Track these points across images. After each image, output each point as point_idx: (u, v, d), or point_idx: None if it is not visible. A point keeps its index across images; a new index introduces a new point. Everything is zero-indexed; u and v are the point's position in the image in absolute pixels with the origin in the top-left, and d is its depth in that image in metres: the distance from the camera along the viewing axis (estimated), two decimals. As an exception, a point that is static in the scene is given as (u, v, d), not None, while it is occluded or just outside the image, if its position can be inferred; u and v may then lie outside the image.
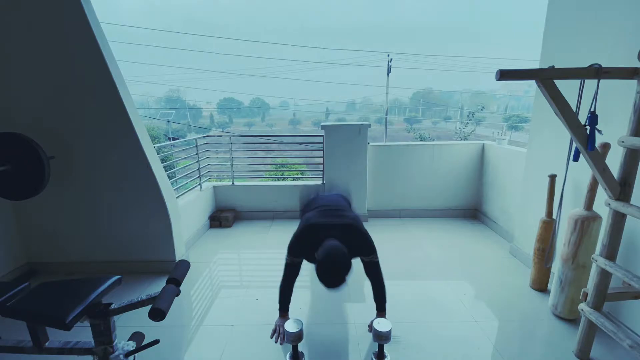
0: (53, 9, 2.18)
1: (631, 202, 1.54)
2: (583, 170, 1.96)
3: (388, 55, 23.18)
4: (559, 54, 2.34)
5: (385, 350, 1.73)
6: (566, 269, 1.99)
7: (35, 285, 1.42)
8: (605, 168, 1.55)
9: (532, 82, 1.49)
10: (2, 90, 2.34)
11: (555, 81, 1.45)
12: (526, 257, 2.73)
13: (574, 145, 1.59)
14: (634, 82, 1.48)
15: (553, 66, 1.49)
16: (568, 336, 1.92)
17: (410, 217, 3.95)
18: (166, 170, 2.85)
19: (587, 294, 1.72)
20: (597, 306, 1.67)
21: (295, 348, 1.71)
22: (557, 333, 1.97)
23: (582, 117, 1.53)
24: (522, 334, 2.00)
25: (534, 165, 2.64)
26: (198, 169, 3.72)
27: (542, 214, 2.32)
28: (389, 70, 23.17)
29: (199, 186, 3.75)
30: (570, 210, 2.02)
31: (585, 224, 1.90)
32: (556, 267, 2.08)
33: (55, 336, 1.53)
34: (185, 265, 1.47)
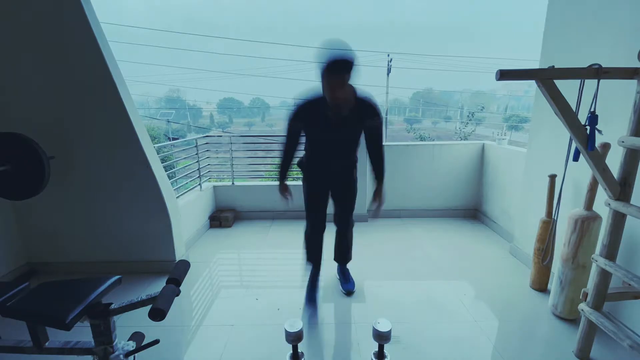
0: (53, 9, 2.18)
1: (631, 202, 1.54)
2: (583, 170, 1.96)
3: (388, 55, 23.16)
4: (559, 54, 2.34)
5: (385, 350, 1.73)
6: (566, 269, 1.99)
7: (35, 285, 1.42)
8: (605, 168, 1.55)
9: (532, 82, 1.49)
10: (2, 90, 2.34)
11: (555, 81, 1.45)
12: (526, 257, 2.73)
13: (574, 145, 1.59)
14: (634, 82, 1.48)
15: (553, 66, 1.49)
16: (568, 336, 1.92)
17: (410, 217, 3.95)
18: (166, 170, 2.85)
19: (587, 294, 1.72)
20: (597, 306, 1.67)
21: (295, 348, 1.71)
22: (557, 333, 1.97)
23: (582, 117, 1.53)
24: (522, 334, 2.00)
25: (534, 165, 2.64)
26: (198, 169, 3.72)
27: (542, 214, 2.32)
28: (389, 70, 23.15)
29: (199, 186, 3.75)
30: (570, 210, 2.02)
31: (585, 224, 1.90)
32: (556, 267, 2.08)
33: (55, 336, 1.53)
34: (185, 265, 1.47)
